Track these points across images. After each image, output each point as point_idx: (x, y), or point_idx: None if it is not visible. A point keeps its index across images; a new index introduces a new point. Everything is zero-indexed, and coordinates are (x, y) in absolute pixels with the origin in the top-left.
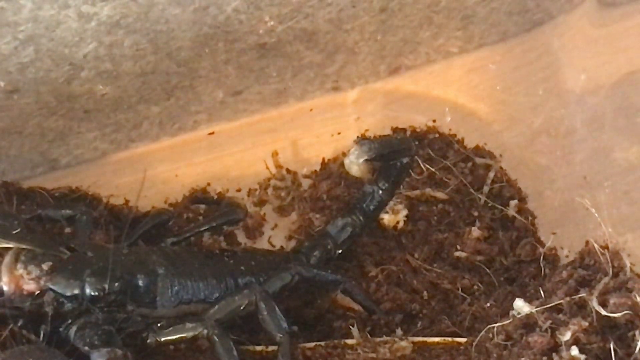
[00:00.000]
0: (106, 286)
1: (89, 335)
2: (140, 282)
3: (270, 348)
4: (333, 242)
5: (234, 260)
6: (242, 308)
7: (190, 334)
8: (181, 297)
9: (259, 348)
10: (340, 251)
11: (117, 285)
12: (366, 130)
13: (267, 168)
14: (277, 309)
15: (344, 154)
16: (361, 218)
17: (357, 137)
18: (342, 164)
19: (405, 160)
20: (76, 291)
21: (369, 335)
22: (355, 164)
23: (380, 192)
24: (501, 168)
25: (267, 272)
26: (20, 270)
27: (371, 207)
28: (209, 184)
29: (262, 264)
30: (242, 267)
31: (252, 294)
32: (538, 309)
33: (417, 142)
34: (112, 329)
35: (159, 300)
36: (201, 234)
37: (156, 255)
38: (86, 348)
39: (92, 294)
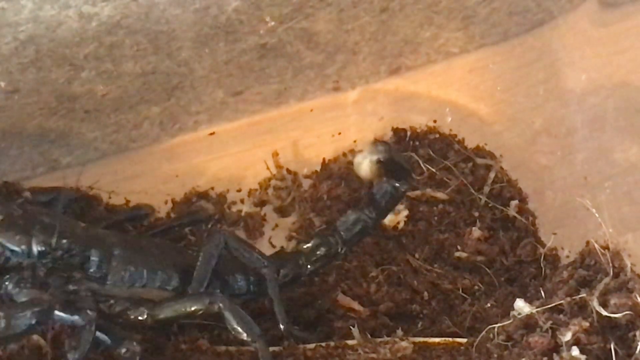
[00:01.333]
0: (53, 242)
1: (19, 285)
2: (93, 257)
3: (271, 349)
4: (305, 261)
5: (197, 256)
6: (199, 314)
7: (194, 307)
8: (134, 280)
9: None
10: (312, 268)
11: (64, 243)
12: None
13: (268, 168)
14: (244, 314)
15: (345, 155)
16: (339, 242)
17: (375, 137)
18: (342, 164)
19: (404, 186)
20: (23, 246)
21: (369, 336)
22: (368, 162)
23: (364, 218)
24: (502, 168)
25: (235, 271)
26: None
27: (350, 235)
28: (212, 188)
29: (229, 264)
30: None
31: (215, 304)
32: (539, 309)
33: (417, 143)
34: (49, 290)
35: (110, 279)
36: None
37: (116, 239)
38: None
39: (39, 248)
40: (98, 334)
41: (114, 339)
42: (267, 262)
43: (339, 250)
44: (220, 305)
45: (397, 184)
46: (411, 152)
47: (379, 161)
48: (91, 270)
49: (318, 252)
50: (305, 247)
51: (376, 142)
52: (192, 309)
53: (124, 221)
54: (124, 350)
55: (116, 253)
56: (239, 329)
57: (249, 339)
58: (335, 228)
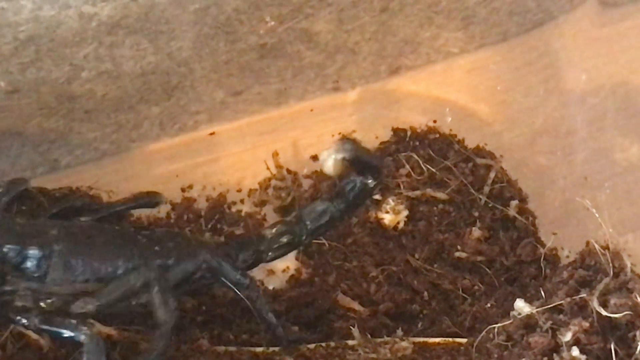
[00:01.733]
0: None
1: None
2: (31, 254)
3: (271, 349)
4: (267, 247)
5: (148, 241)
6: (137, 286)
7: (132, 281)
8: (76, 276)
9: (259, 349)
10: (272, 256)
11: None
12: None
13: (268, 168)
14: (170, 290)
15: None
16: (303, 231)
17: (342, 134)
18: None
19: (372, 182)
20: None
21: (369, 336)
22: (332, 160)
23: (332, 210)
24: (502, 168)
25: (186, 257)
26: None
27: (315, 225)
28: (213, 189)
29: (182, 248)
30: (156, 248)
31: (149, 272)
32: (539, 309)
33: (417, 143)
34: None
35: (49, 276)
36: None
37: (57, 230)
38: None
39: None
40: (52, 328)
41: (70, 329)
42: (249, 283)
43: (303, 239)
44: (152, 273)
45: (366, 181)
46: (411, 152)
47: (344, 159)
48: (29, 268)
49: (281, 240)
50: (268, 232)
51: (343, 139)
52: (131, 283)
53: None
54: (82, 337)
55: (57, 248)
56: (158, 299)
57: (162, 313)
58: (301, 217)
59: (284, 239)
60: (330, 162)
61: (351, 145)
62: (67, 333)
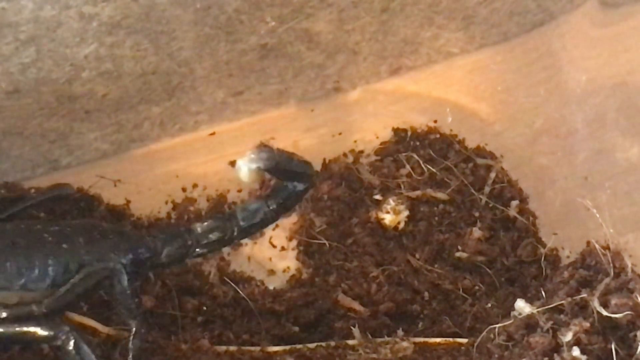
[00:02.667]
0: None
1: None
2: None
3: (270, 348)
4: (195, 241)
5: (55, 238)
6: (40, 340)
7: (36, 334)
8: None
9: (259, 349)
10: (200, 251)
11: None
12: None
13: None
14: (132, 292)
15: (345, 155)
16: (235, 229)
17: (260, 142)
18: (343, 165)
19: (301, 187)
20: None
21: (370, 336)
22: (247, 169)
23: (266, 210)
24: (502, 168)
25: (102, 254)
26: None
27: (248, 224)
28: (215, 189)
29: (97, 243)
30: (64, 246)
31: (59, 340)
32: (539, 309)
33: (418, 143)
34: None
35: None
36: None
37: None
38: None
39: None
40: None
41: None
42: (137, 316)
43: (234, 236)
44: (65, 340)
45: (297, 186)
46: (412, 152)
47: (259, 169)
48: None
49: (211, 236)
50: (198, 227)
51: (259, 148)
52: (34, 334)
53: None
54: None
55: None
56: (124, 303)
57: (128, 317)
58: (234, 214)
59: (214, 235)
60: (245, 171)
61: (268, 154)
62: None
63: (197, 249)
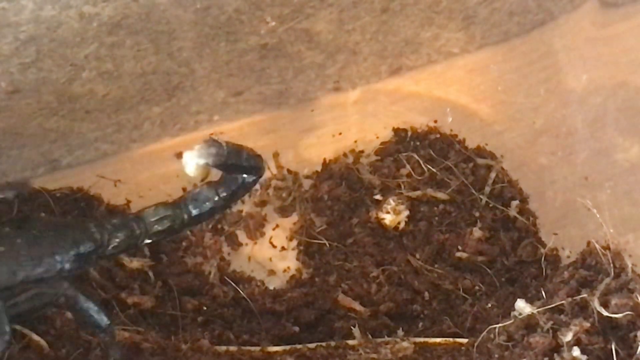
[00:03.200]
0: None
1: None
2: None
3: (270, 348)
4: (144, 230)
5: None
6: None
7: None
8: None
9: (259, 349)
10: (149, 241)
11: None
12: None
13: (268, 168)
14: (93, 304)
15: (345, 155)
16: (185, 217)
17: (210, 135)
18: (343, 165)
19: (251, 179)
20: None
21: (370, 336)
22: (194, 163)
23: (216, 199)
24: (502, 168)
25: (42, 256)
26: None
27: (198, 212)
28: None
29: (36, 243)
30: (1, 249)
31: (60, 295)
32: (539, 309)
33: (418, 143)
34: None
35: None
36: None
37: None
38: None
39: None
40: None
41: None
42: (106, 326)
43: (184, 224)
44: (67, 296)
45: (245, 176)
46: (412, 152)
47: (207, 164)
48: None
49: (159, 225)
50: (147, 215)
51: (208, 142)
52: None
53: None
54: None
55: None
56: (88, 318)
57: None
58: (185, 202)
59: (163, 224)
60: (191, 166)
61: (217, 149)
62: None
63: (146, 239)
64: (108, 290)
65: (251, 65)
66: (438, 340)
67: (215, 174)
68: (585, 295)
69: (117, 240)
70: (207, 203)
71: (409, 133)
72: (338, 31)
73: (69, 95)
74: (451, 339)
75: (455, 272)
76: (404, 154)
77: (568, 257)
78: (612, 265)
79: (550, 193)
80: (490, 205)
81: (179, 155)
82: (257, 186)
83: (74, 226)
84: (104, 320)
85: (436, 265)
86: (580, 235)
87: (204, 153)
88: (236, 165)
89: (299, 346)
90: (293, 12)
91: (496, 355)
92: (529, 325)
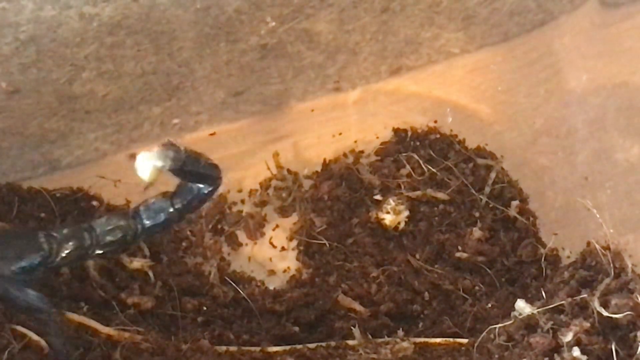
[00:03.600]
0: None
1: None
2: None
3: (270, 349)
4: (95, 240)
5: None
6: None
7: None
8: None
9: (259, 349)
10: (100, 252)
11: None
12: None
13: (268, 168)
14: (29, 292)
15: (345, 155)
16: (138, 228)
17: (168, 139)
18: (343, 165)
19: (207, 189)
20: None
21: (370, 336)
22: (149, 166)
23: (171, 210)
24: (502, 169)
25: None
26: None
27: (152, 223)
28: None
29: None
30: None
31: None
32: (539, 309)
33: (418, 143)
34: None
35: None
36: None
37: None
38: None
39: None
40: None
41: None
42: (49, 309)
43: (137, 236)
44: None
45: (200, 186)
46: (412, 153)
47: (162, 168)
48: None
49: (111, 236)
50: (98, 225)
51: (167, 145)
52: None
53: None
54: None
55: None
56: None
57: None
58: (138, 212)
59: (115, 235)
60: (145, 169)
61: (175, 154)
62: None
63: (97, 250)
64: (108, 290)
65: (251, 65)
66: (438, 340)
67: (173, 185)
68: (585, 295)
69: (67, 251)
70: (161, 214)
71: (409, 133)
72: (338, 31)
73: (69, 95)
74: (451, 339)
75: (455, 273)
76: (404, 154)
77: (568, 257)
78: (612, 265)
79: (550, 193)
80: (490, 206)
81: (133, 157)
82: (258, 186)
83: (21, 236)
84: (44, 304)
85: (436, 266)
86: (580, 236)
87: (162, 156)
88: (192, 173)
89: (299, 346)
90: (293, 12)
91: (496, 356)
92: (529, 325)
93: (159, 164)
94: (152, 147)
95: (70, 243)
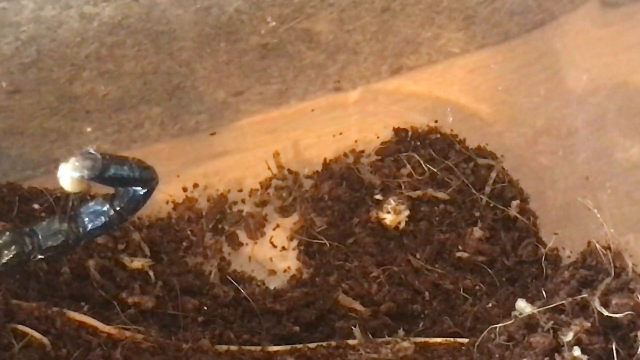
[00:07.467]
0: None
1: None
2: None
3: (271, 348)
4: (37, 245)
5: None
6: None
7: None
8: None
9: (260, 349)
10: (41, 257)
11: None
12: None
13: (269, 168)
14: None
15: (346, 155)
16: (80, 231)
17: (85, 149)
18: (343, 165)
19: (141, 191)
20: None
21: (370, 336)
22: (69, 177)
23: (112, 213)
24: (503, 168)
25: None
26: None
27: (94, 226)
28: (216, 189)
29: None
30: None
31: None
32: (540, 309)
33: (418, 143)
34: None
35: None
36: None
37: None
38: None
39: None
40: None
41: None
42: None
43: (78, 239)
44: None
45: (135, 189)
46: (412, 152)
47: (82, 178)
48: None
49: (52, 241)
50: (40, 229)
51: (84, 155)
52: None
53: None
54: None
55: None
56: None
57: None
58: (78, 215)
59: (56, 240)
60: (66, 180)
61: (92, 162)
62: None
63: (39, 254)
64: (108, 290)
65: (251, 65)
66: (439, 340)
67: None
68: (585, 295)
69: (7, 257)
70: (102, 217)
71: (410, 133)
72: (338, 31)
73: (69, 95)
74: (452, 339)
75: (455, 272)
76: (405, 153)
77: (568, 257)
78: (612, 265)
79: (551, 193)
80: (491, 205)
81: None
82: (258, 185)
83: None
84: None
85: (437, 265)
86: (580, 235)
87: (78, 166)
88: (119, 179)
89: (299, 346)
90: (293, 12)
91: (497, 355)
92: (530, 325)
93: (76, 174)
94: (70, 157)
95: (10, 249)
